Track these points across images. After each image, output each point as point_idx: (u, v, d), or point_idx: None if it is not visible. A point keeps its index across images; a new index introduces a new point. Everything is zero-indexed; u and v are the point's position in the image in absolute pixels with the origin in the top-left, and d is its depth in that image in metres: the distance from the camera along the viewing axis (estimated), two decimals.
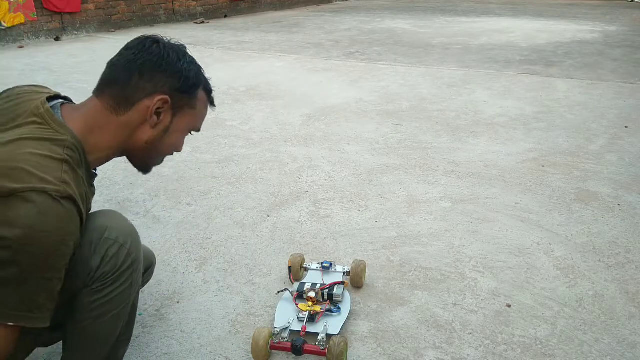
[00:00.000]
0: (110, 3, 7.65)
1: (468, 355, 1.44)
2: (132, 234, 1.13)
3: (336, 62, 5.39)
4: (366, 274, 1.76)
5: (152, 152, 1.14)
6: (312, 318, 1.49)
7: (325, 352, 1.37)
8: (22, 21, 6.55)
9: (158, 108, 1.06)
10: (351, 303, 1.59)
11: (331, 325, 1.47)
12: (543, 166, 2.73)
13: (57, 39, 6.96)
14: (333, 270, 1.72)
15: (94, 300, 1.07)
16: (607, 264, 1.87)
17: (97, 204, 1.79)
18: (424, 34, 7.27)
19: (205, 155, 2.86)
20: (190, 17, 8.89)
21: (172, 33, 6.61)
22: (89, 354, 1.14)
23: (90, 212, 1.11)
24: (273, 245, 1.99)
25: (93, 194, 1.13)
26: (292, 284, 1.69)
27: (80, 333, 1.10)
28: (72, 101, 1.12)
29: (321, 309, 1.52)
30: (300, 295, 1.58)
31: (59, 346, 1.15)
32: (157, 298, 1.68)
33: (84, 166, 1.03)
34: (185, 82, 1.09)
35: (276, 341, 1.41)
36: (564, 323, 1.57)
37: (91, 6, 7.39)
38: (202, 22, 8.66)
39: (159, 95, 1.06)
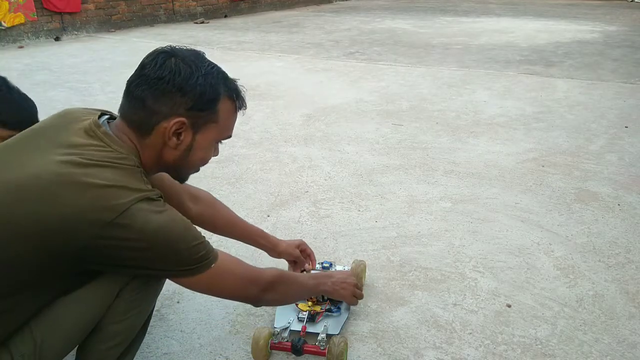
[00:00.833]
0: (110, 3, 7.65)
1: (468, 355, 1.44)
2: None
3: (336, 62, 5.39)
4: (366, 274, 1.76)
5: (181, 169, 1.15)
6: (312, 318, 1.49)
7: (325, 352, 1.37)
8: (22, 21, 6.55)
9: (176, 130, 1.04)
10: (350, 310, 1.58)
11: (331, 325, 1.47)
12: (543, 166, 2.73)
13: (57, 39, 6.96)
14: (333, 270, 1.71)
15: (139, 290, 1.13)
16: (607, 264, 1.87)
17: None
18: (424, 34, 7.27)
19: None
20: (190, 17, 8.89)
21: (172, 33, 6.60)
22: (109, 347, 1.14)
23: None
24: None
25: None
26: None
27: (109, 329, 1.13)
28: (113, 116, 1.12)
29: (321, 309, 1.51)
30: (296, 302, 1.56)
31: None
32: (157, 298, 1.67)
33: None
34: (200, 99, 1.04)
35: (276, 341, 1.41)
36: (564, 323, 1.57)
37: (91, 6, 7.39)
38: (202, 22, 8.66)
39: (175, 117, 1.03)
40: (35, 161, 0.95)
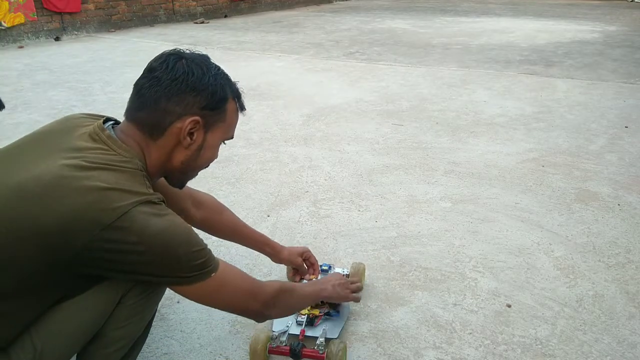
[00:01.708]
0: (110, 3, 7.65)
1: (468, 355, 1.44)
2: None
3: (336, 62, 5.39)
4: (366, 274, 1.76)
5: (188, 170, 1.15)
6: (311, 321, 1.47)
7: (324, 357, 1.35)
8: (22, 21, 6.55)
9: (190, 129, 1.06)
10: (350, 307, 1.58)
11: (330, 329, 1.45)
12: (543, 166, 2.73)
13: (57, 39, 6.96)
14: (332, 273, 1.69)
15: (143, 297, 1.12)
16: (607, 264, 1.87)
17: None
18: (424, 34, 7.27)
19: None
20: (190, 17, 8.89)
21: (172, 33, 6.61)
22: (110, 352, 1.14)
23: None
24: None
25: None
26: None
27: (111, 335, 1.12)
28: (118, 121, 1.13)
29: (320, 312, 1.50)
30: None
31: None
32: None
33: None
34: (213, 98, 1.07)
35: (274, 345, 1.38)
36: (564, 323, 1.57)
37: (91, 6, 7.39)
38: (202, 22, 8.66)
39: (189, 117, 1.05)
40: (39, 164, 0.95)
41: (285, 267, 1.77)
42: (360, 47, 6.22)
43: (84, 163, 0.95)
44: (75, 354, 1.11)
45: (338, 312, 1.52)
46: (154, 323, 1.55)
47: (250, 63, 5.37)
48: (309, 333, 1.44)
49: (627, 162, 2.78)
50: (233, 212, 1.56)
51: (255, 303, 1.13)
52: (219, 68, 1.12)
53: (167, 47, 6.15)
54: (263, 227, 2.12)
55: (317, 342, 1.39)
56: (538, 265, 1.86)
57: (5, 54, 5.97)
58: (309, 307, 1.51)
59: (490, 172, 2.66)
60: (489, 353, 1.45)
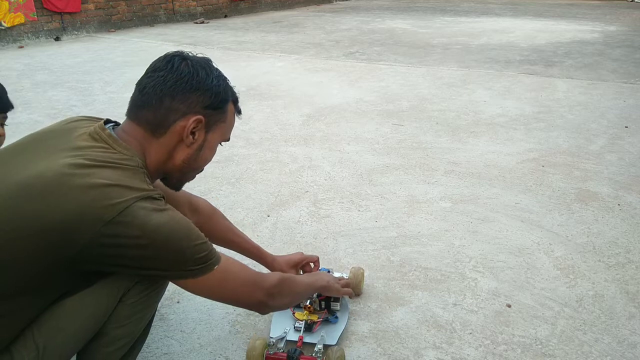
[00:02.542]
0: (110, 3, 7.65)
1: (468, 355, 1.44)
2: None
3: (336, 62, 5.39)
4: (365, 275, 1.75)
5: (188, 170, 1.16)
6: (309, 327, 1.45)
7: None
8: (22, 21, 6.55)
9: (193, 128, 1.08)
10: (349, 311, 1.57)
11: (328, 335, 1.44)
12: (543, 166, 2.73)
13: (57, 39, 6.96)
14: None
15: (142, 296, 1.12)
16: (607, 264, 1.87)
17: None
18: (424, 34, 7.27)
19: None
20: (190, 17, 8.89)
21: (172, 33, 6.59)
22: (111, 350, 1.14)
23: None
24: (273, 245, 1.99)
25: None
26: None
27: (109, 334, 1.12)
28: (118, 124, 1.13)
29: (318, 318, 1.48)
30: (297, 304, 1.53)
31: None
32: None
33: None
34: (216, 98, 1.10)
35: (271, 352, 1.36)
36: (564, 323, 1.57)
37: (91, 6, 7.39)
38: (202, 22, 8.66)
39: (193, 115, 1.07)
40: (40, 163, 0.96)
41: None
42: (360, 47, 6.22)
43: (85, 161, 0.96)
44: (76, 352, 1.11)
45: (337, 318, 1.51)
46: (154, 323, 1.55)
47: (250, 63, 5.37)
48: (307, 339, 1.43)
49: (627, 162, 2.78)
50: (227, 218, 1.57)
51: (259, 292, 1.14)
52: (219, 71, 1.14)
53: (167, 47, 6.12)
54: (263, 227, 2.12)
55: (315, 348, 1.38)
56: (538, 265, 1.86)
57: (5, 54, 5.97)
58: (307, 313, 1.49)
59: (490, 172, 2.66)
60: (489, 353, 1.45)
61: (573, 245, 1.99)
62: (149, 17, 8.23)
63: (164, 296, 1.67)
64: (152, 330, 1.53)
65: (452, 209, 2.27)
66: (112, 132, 1.06)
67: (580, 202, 2.33)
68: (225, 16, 9.50)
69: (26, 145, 1.05)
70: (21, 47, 6.46)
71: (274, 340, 1.39)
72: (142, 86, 1.07)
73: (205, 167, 1.20)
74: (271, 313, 1.57)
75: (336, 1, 12.43)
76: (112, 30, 7.64)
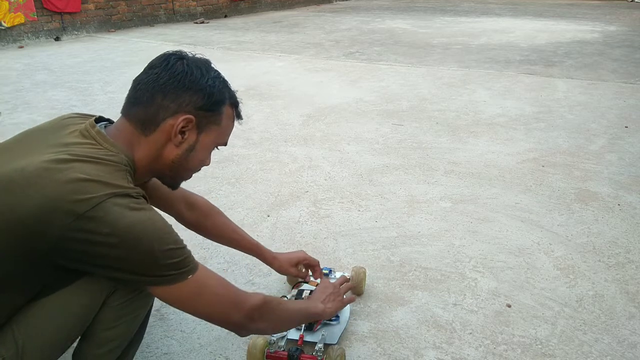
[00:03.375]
0: (110, 3, 7.65)
1: (468, 355, 1.44)
2: None
3: (336, 62, 5.39)
4: (366, 276, 1.75)
5: (179, 170, 1.13)
6: (310, 327, 1.45)
7: None
8: (22, 21, 6.55)
9: (182, 127, 1.06)
10: (350, 311, 1.57)
11: (329, 334, 1.44)
12: (543, 166, 2.73)
13: (57, 39, 6.96)
14: (332, 277, 1.69)
15: (132, 298, 1.11)
16: (607, 264, 1.87)
17: None
18: (424, 34, 7.27)
19: None
20: (190, 17, 8.89)
21: (172, 33, 6.57)
22: (103, 352, 1.13)
23: None
24: (273, 245, 1.99)
25: None
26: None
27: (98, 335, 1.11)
28: (112, 122, 1.13)
29: None
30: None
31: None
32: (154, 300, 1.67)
33: (133, 180, 1.05)
34: (209, 99, 1.07)
35: (272, 350, 1.37)
36: (564, 323, 1.57)
37: (91, 6, 7.39)
38: (202, 22, 8.66)
39: (183, 114, 1.05)
40: (25, 158, 0.96)
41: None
42: (360, 47, 6.22)
43: (67, 156, 0.95)
44: (63, 352, 1.10)
45: (338, 317, 1.51)
46: (153, 323, 1.55)
47: (250, 63, 5.37)
48: (307, 338, 1.43)
49: (627, 162, 2.78)
50: (226, 215, 1.54)
51: (237, 313, 1.06)
52: (218, 73, 1.13)
53: (167, 47, 6.13)
54: (263, 227, 2.12)
55: (316, 347, 1.38)
56: (538, 265, 1.86)
57: (5, 54, 5.97)
58: None
59: (490, 172, 2.66)
60: (489, 353, 1.45)
61: (573, 245, 1.99)
62: (149, 17, 8.23)
63: None
64: (152, 330, 1.53)
65: (452, 209, 2.27)
66: (102, 129, 1.05)
67: (580, 202, 2.33)
68: (225, 16, 9.50)
69: (17, 141, 1.05)
70: (21, 47, 6.46)
71: (275, 339, 1.40)
72: (136, 83, 1.07)
73: (204, 168, 1.18)
74: None
75: (336, 1, 12.43)
76: (112, 30, 7.64)
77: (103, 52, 6.00)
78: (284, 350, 1.38)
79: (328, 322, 1.49)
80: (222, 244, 1.57)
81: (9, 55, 5.88)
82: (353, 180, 2.58)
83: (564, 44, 6.34)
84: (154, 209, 1.00)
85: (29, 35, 6.70)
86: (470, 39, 6.75)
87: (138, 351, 1.44)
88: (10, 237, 0.91)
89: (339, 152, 2.95)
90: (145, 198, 1.00)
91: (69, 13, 7.09)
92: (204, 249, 1.95)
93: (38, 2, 6.69)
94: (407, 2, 11.95)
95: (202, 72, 1.07)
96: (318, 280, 1.64)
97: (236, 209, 2.28)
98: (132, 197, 0.96)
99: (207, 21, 8.80)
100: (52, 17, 6.93)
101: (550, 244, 1.99)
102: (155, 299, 1.20)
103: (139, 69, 1.10)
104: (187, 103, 1.05)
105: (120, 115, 1.10)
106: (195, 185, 2.48)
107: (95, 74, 4.87)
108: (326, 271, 1.70)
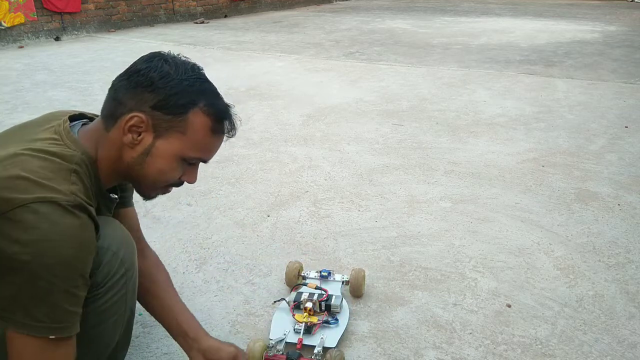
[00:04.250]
0: (110, 3, 7.65)
1: (468, 355, 1.44)
2: (126, 242, 1.10)
3: (336, 62, 5.39)
4: (366, 276, 1.75)
5: (139, 176, 1.04)
6: (309, 330, 1.45)
7: None
8: (22, 21, 6.55)
9: (132, 125, 0.99)
10: (350, 314, 1.56)
11: (328, 337, 1.43)
12: (543, 166, 2.73)
13: (57, 39, 6.96)
14: (332, 279, 1.68)
15: (89, 311, 1.02)
16: (607, 264, 1.87)
17: None
18: (424, 34, 7.27)
19: None
20: (190, 17, 8.89)
21: (172, 33, 6.57)
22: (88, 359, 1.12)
23: None
24: (273, 245, 1.99)
25: (109, 211, 1.13)
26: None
27: (79, 339, 1.03)
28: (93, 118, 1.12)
29: (318, 320, 1.47)
30: (297, 306, 1.52)
31: None
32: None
33: (94, 181, 1.01)
34: (166, 101, 0.98)
35: (271, 354, 1.36)
36: (564, 323, 1.57)
37: (91, 6, 7.39)
38: (202, 22, 8.66)
39: (136, 112, 0.98)
40: (1, 151, 0.95)
41: (286, 266, 1.77)
42: (360, 47, 6.22)
43: (22, 151, 0.93)
44: None
45: (337, 320, 1.50)
46: (154, 323, 1.55)
47: (250, 63, 5.37)
48: (306, 341, 1.42)
49: (627, 162, 2.78)
50: (171, 283, 1.36)
51: None
52: (200, 78, 1.03)
53: (167, 47, 6.14)
54: (263, 227, 2.12)
55: (315, 350, 1.37)
56: (538, 265, 1.86)
57: (5, 54, 5.97)
58: (307, 315, 1.48)
59: (490, 172, 2.66)
60: (489, 353, 1.45)
61: (573, 245, 1.99)
62: (149, 17, 8.23)
63: None
64: (152, 330, 1.53)
65: (452, 209, 2.27)
66: (78, 126, 1.03)
67: (580, 202, 2.33)
68: (225, 16, 9.50)
69: (5, 134, 1.04)
70: (21, 47, 6.46)
71: (274, 342, 1.39)
72: (115, 79, 1.05)
73: (206, 165, 1.12)
74: (271, 314, 1.58)
75: (336, 1, 12.42)
76: (112, 30, 7.64)
77: (103, 52, 6.00)
78: (282, 353, 1.37)
79: (327, 325, 1.48)
80: (145, 306, 1.36)
81: (9, 55, 5.88)
82: (353, 180, 2.58)
83: (564, 44, 6.34)
84: (85, 223, 0.91)
85: (29, 35, 6.70)
86: (470, 39, 6.75)
87: (138, 351, 1.45)
88: None
89: (339, 152, 2.95)
90: (81, 207, 0.91)
91: (69, 13, 7.09)
92: (204, 249, 1.95)
93: (38, 2, 6.69)
94: (407, 2, 11.95)
95: (172, 72, 0.99)
96: (317, 283, 1.64)
97: (236, 209, 2.28)
98: (60, 205, 0.87)
99: (207, 21, 8.80)
100: (52, 17, 6.92)
101: (550, 244, 1.99)
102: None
103: None
104: (145, 101, 0.99)
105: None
106: (195, 185, 2.48)
107: (95, 74, 4.87)
108: (325, 273, 1.69)
